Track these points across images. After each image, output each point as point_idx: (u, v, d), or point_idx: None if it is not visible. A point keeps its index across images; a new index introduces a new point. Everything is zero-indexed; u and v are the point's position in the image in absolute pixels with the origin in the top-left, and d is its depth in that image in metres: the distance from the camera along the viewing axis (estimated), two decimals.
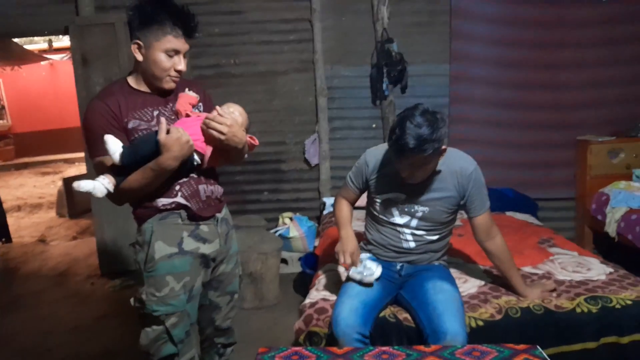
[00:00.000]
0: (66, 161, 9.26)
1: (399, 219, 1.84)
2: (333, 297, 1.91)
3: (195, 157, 1.52)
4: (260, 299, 3.07)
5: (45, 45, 7.35)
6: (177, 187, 1.54)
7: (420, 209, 1.81)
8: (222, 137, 1.46)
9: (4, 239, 4.59)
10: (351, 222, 1.96)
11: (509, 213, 3.24)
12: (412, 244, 1.86)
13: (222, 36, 3.68)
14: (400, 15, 3.63)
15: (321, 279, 2.16)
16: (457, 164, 1.80)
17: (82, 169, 7.30)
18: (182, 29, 1.49)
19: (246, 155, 1.67)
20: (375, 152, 1.89)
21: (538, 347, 1.36)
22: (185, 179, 1.56)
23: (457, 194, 1.80)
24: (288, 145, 3.88)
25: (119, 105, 1.48)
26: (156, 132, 1.42)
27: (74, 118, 4.63)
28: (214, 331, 1.79)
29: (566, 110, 3.64)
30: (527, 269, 2.20)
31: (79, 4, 3.61)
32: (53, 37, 6.72)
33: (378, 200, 1.88)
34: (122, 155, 1.40)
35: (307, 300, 1.97)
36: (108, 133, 1.42)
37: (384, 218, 1.87)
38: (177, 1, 1.52)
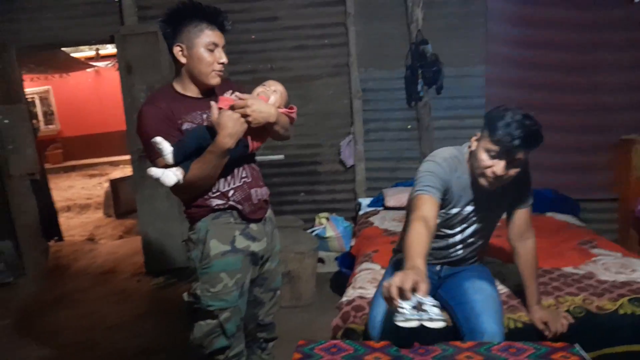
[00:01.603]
0: (111, 164, 9.66)
1: (456, 229, 1.74)
2: (370, 295, 1.94)
3: (248, 145, 1.59)
4: (298, 297, 3.14)
5: (92, 53, 7.72)
6: (232, 192, 1.62)
7: (479, 216, 1.71)
8: (249, 118, 1.52)
9: (56, 238, 4.85)
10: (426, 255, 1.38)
11: (549, 214, 3.18)
12: (461, 252, 1.80)
13: (257, 42, 3.79)
14: (434, 17, 3.63)
15: (358, 278, 2.20)
16: None
17: (126, 171, 7.59)
18: (215, 23, 1.58)
19: (290, 128, 1.73)
20: (446, 162, 1.62)
21: (577, 345, 1.35)
22: (238, 184, 1.63)
23: (512, 192, 1.70)
24: (323, 147, 3.94)
25: (170, 108, 1.56)
26: (201, 127, 1.51)
27: (118, 122, 4.85)
28: (256, 326, 1.86)
29: (605, 112, 3.55)
30: (568, 269, 2.16)
31: (123, 15, 3.81)
32: (99, 45, 7.04)
33: (444, 212, 1.68)
34: (174, 153, 1.48)
35: (345, 298, 2.01)
36: (165, 135, 1.49)
37: (440, 232, 1.72)
38: (207, 2, 1.61)
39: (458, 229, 1.74)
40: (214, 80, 1.61)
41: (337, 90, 3.84)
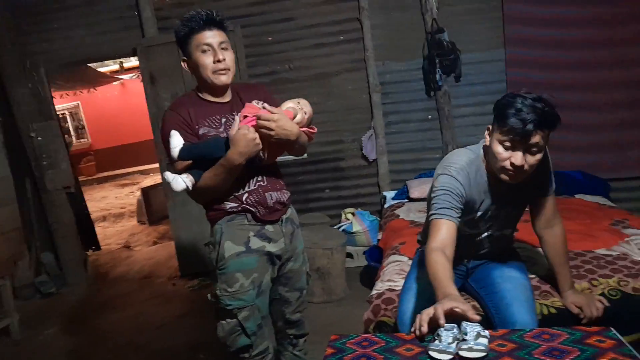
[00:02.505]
0: (142, 172, 9.93)
1: (482, 228, 1.70)
2: (399, 287, 1.94)
3: (260, 153, 1.61)
4: (329, 293, 3.18)
5: (116, 67, 7.95)
6: (245, 195, 1.65)
7: (503, 212, 1.67)
8: (272, 132, 1.53)
9: (93, 247, 5.04)
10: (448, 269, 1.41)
11: (578, 196, 3.11)
12: (487, 246, 1.77)
13: (275, 44, 3.84)
14: (449, 4, 3.60)
15: (386, 271, 2.22)
16: None
17: (157, 178, 7.79)
18: (205, 23, 1.58)
19: (307, 145, 1.75)
20: (463, 172, 1.56)
21: (612, 328, 1.33)
22: (253, 187, 1.66)
23: (536, 180, 1.62)
24: (345, 143, 3.96)
25: (189, 113, 1.61)
26: (219, 138, 1.56)
27: (146, 132, 4.98)
28: (285, 324, 1.90)
29: (634, 88, 3.43)
30: (601, 251, 2.11)
31: (143, 27, 3.91)
32: (123, 59, 7.25)
33: (467, 217, 1.63)
34: (181, 150, 1.53)
35: (374, 292, 2.03)
36: (182, 139, 1.56)
37: (463, 232, 1.64)
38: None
39: (485, 227, 1.70)
40: (219, 79, 1.61)
41: (356, 86, 3.85)
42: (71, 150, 7.34)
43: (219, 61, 1.58)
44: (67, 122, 10.86)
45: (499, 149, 1.47)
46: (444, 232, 1.48)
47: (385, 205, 3.63)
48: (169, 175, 1.54)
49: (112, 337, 3.13)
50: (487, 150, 1.55)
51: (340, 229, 3.61)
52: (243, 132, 1.50)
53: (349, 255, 3.57)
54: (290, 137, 1.57)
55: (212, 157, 1.54)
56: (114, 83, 9.91)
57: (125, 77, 9.21)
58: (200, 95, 1.68)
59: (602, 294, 1.76)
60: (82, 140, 11.11)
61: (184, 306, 3.48)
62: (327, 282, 3.16)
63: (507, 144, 1.45)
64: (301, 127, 1.65)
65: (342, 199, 4.01)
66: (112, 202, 7.79)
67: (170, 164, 1.64)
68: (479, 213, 1.64)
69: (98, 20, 4.00)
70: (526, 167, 1.45)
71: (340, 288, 3.22)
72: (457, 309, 1.24)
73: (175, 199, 3.89)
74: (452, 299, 1.27)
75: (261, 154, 1.61)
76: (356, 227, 3.63)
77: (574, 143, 3.55)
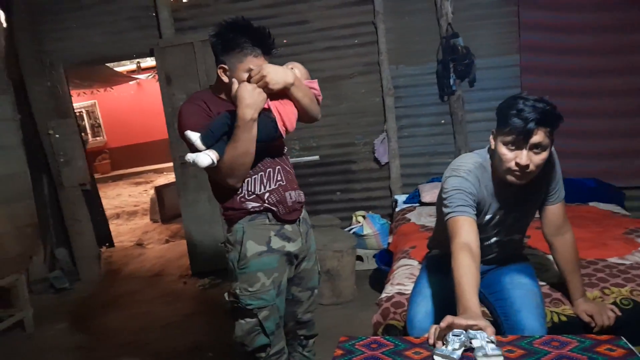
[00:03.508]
0: (155, 171, 10.03)
1: (491, 233, 1.71)
2: (408, 291, 1.94)
3: (278, 127, 1.61)
4: (338, 295, 3.18)
5: (133, 66, 8.06)
6: (267, 195, 1.67)
7: (511, 217, 1.68)
8: (267, 79, 1.52)
9: (107, 244, 5.11)
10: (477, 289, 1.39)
11: (591, 204, 3.08)
12: (497, 250, 1.77)
13: (289, 46, 3.86)
14: (465, 9, 3.60)
15: (396, 274, 2.22)
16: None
17: (170, 177, 7.88)
18: (261, 48, 1.60)
19: (317, 108, 1.74)
20: (472, 175, 1.58)
21: (623, 337, 1.32)
22: (274, 187, 1.68)
23: (543, 187, 1.65)
24: (357, 145, 3.97)
25: (207, 105, 1.64)
26: (226, 112, 1.56)
27: (161, 131, 5.05)
28: (295, 324, 1.91)
29: None
30: (614, 259, 2.10)
31: (161, 27, 3.97)
32: (140, 59, 7.36)
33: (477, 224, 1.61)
34: (202, 137, 1.53)
35: (384, 295, 2.03)
36: (197, 127, 1.56)
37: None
38: (246, 15, 1.64)
39: (493, 232, 1.71)
40: None
41: (369, 89, 3.86)
42: (87, 148, 7.44)
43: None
44: (84, 120, 11.03)
45: (503, 150, 1.49)
46: (467, 228, 1.48)
47: (397, 209, 3.63)
48: (190, 155, 1.54)
49: (116, 335, 3.16)
50: (493, 154, 1.57)
51: (351, 232, 3.62)
52: (243, 86, 1.52)
53: (359, 258, 3.58)
54: (288, 80, 1.57)
55: (229, 129, 1.54)
56: (130, 82, 10.04)
57: (141, 76, 9.32)
58: (215, 93, 1.71)
59: (614, 303, 1.75)
60: (98, 138, 11.27)
61: (194, 305, 3.51)
62: (336, 284, 3.17)
63: (511, 144, 1.47)
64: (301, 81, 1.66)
65: (352, 202, 4.02)
66: (126, 200, 7.88)
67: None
68: (487, 217, 1.65)
69: (115, 20, 4.06)
70: (532, 166, 1.47)
71: (349, 290, 3.22)
72: (471, 329, 1.24)
73: (187, 198, 3.93)
74: (469, 317, 1.27)
75: (274, 117, 1.60)
76: (367, 230, 3.63)
77: (588, 150, 3.51)
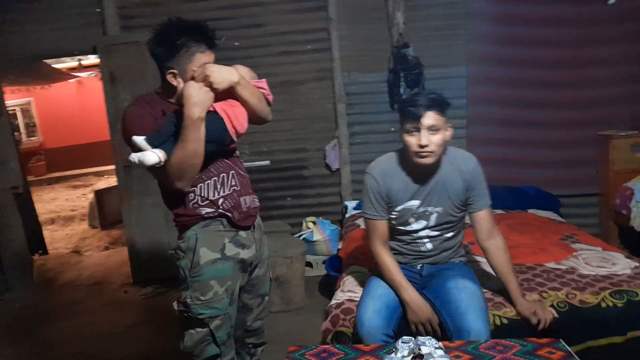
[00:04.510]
0: (96, 174, 9.54)
1: (415, 226, 1.87)
2: (358, 298, 1.96)
3: (227, 129, 1.58)
4: (287, 302, 3.15)
5: (75, 64, 7.64)
6: (221, 200, 1.62)
7: (434, 210, 1.84)
8: (211, 78, 1.48)
9: (40, 251, 4.79)
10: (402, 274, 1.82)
11: (531, 210, 3.24)
12: (430, 245, 1.90)
13: (243, 49, 3.80)
14: (416, 20, 3.69)
15: (346, 281, 2.22)
16: (459, 160, 1.85)
17: (111, 181, 7.51)
18: (204, 42, 1.55)
19: (266, 107, 1.72)
20: (379, 166, 1.89)
21: (561, 340, 1.39)
22: (228, 192, 1.63)
23: (463, 189, 1.83)
24: (309, 151, 3.97)
25: (152, 110, 1.57)
26: (174, 112, 1.51)
27: (102, 133, 4.81)
28: (244, 332, 1.87)
29: (586, 108, 3.63)
30: (551, 264, 2.21)
31: (106, 25, 3.79)
32: (82, 56, 6.98)
33: (395, 212, 1.87)
34: (148, 139, 1.47)
35: (333, 301, 2.03)
36: (148, 132, 1.49)
37: (401, 228, 1.90)
38: (200, 17, 1.60)
39: (416, 225, 1.87)
40: None
41: (322, 95, 3.87)
42: (21, 148, 6.97)
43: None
44: (18, 118, 10.32)
45: (407, 137, 1.75)
46: (381, 227, 1.88)
47: (347, 215, 3.65)
48: (135, 154, 1.47)
49: (59, 347, 2.97)
50: (405, 149, 1.80)
51: (301, 238, 3.60)
52: (189, 84, 1.48)
53: (309, 264, 3.56)
54: (232, 79, 1.53)
55: (176, 130, 1.50)
56: (70, 81, 9.52)
57: (83, 74, 8.86)
58: (162, 97, 1.64)
59: (552, 306, 1.85)
60: (32, 138, 10.58)
61: (137, 314, 3.36)
62: (286, 291, 3.14)
63: (412, 129, 1.72)
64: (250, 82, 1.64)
65: (304, 207, 4.00)
66: (62, 204, 7.43)
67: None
68: (401, 206, 1.85)
69: (57, 15, 3.82)
70: (432, 146, 1.72)
71: (299, 297, 3.20)
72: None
73: (130, 203, 3.76)
74: (422, 308, 1.75)
75: (223, 122, 1.56)
76: (317, 236, 3.62)
77: (528, 159, 3.70)
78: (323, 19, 3.75)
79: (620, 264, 2.14)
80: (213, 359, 1.67)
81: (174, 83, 1.55)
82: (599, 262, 2.18)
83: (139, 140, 1.47)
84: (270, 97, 1.76)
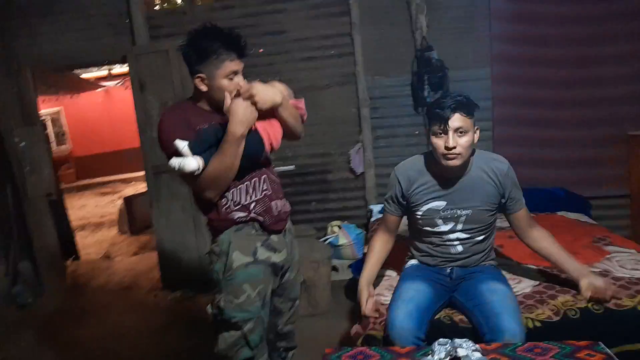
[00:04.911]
0: (123, 181, 9.74)
1: (443, 227, 1.88)
2: (387, 301, 1.96)
3: (265, 147, 1.63)
4: (314, 306, 3.16)
5: (104, 73, 7.88)
6: (253, 204, 1.66)
7: (463, 213, 1.84)
8: (256, 98, 1.52)
9: (73, 257, 4.92)
10: (379, 261, 2.03)
11: (560, 213, 3.18)
12: (460, 248, 1.90)
13: (266, 56, 3.86)
14: (439, 22, 3.68)
15: (375, 284, 2.22)
16: (491, 163, 1.86)
17: (139, 187, 7.67)
18: (235, 51, 1.60)
19: (300, 126, 1.78)
20: (404, 167, 1.95)
21: (600, 343, 1.37)
22: (259, 196, 1.67)
23: (497, 192, 1.85)
24: (333, 156, 3.98)
25: (188, 117, 1.62)
26: (216, 124, 1.56)
27: (129, 140, 4.93)
28: (276, 336, 1.89)
29: (615, 106, 3.55)
30: None
31: (135, 34, 3.90)
32: (111, 66, 7.18)
33: (420, 212, 1.90)
34: (190, 146, 1.51)
35: None
36: (182, 138, 1.53)
37: (429, 229, 1.91)
38: (224, 25, 1.64)
39: (444, 226, 1.87)
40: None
41: (345, 99, 3.89)
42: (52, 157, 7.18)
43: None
44: (48, 127, 10.64)
45: (434, 140, 1.76)
46: (391, 219, 2.00)
47: (372, 219, 3.65)
48: (175, 160, 1.51)
49: (89, 349, 3.05)
50: (432, 151, 1.82)
51: (326, 242, 3.61)
52: (237, 102, 1.52)
53: (334, 268, 3.57)
54: (276, 100, 1.60)
55: (217, 142, 1.55)
56: (98, 90, 9.79)
57: (110, 83, 9.10)
58: (197, 104, 1.68)
59: (586, 308, 1.81)
60: (62, 146, 10.88)
61: (165, 318, 3.42)
62: (312, 295, 3.15)
63: (439, 132, 1.73)
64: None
65: (328, 212, 4.01)
66: (91, 211, 7.62)
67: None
68: (426, 206, 1.87)
69: (88, 25, 3.95)
70: (459, 148, 1.72)
71: (325, 301, 3.21)
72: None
73: (160, 207, 3.84)
74: (363, 291, 1.96)
75: (260, 136, 1.61)
76: (342, 240, 3.63)
77: (556, 159, 3.64)
78: (346, 24, 3.77)
79: None
80: None
81: (201, 87, 1.60)
82: (634, 265, 2.13)
83: (181, 145, 1.51)
84: (305, 116, 1.80)
